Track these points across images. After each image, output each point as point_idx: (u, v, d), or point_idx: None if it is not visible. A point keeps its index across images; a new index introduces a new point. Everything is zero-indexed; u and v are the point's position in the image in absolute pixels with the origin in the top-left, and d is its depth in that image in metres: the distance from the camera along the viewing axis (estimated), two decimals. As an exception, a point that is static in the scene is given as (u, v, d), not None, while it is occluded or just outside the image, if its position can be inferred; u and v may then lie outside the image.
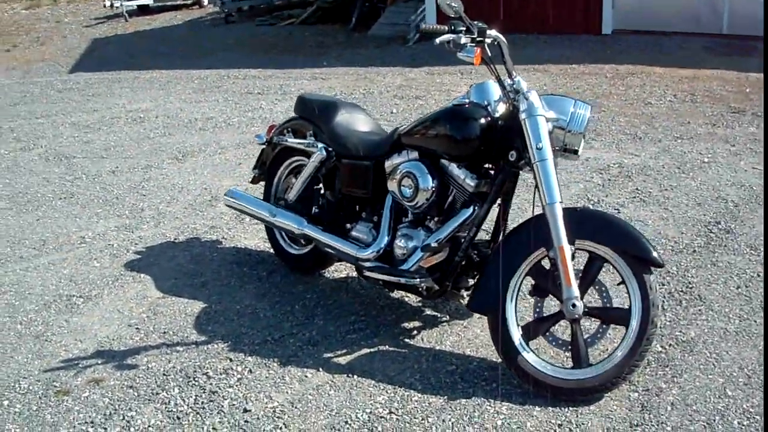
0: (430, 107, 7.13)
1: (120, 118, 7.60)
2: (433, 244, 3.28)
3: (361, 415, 3.01)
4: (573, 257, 3.07)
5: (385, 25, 11.73)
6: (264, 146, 4.27)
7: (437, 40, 3.03)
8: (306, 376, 3.29)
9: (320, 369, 3.33)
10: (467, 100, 3.29)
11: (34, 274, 4.32)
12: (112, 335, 3.67)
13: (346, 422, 2.98)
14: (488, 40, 3.09)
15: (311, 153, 3.89)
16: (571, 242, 3.03)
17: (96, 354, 3.50)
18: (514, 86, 3.13)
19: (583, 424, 2.92)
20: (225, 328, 3.69)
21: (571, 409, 3.00)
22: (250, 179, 4.47)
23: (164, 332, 3.67)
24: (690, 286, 3.87)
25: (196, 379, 3.28)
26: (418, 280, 3.35)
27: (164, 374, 3.33)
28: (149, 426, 3.01)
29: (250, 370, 3.34)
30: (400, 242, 3.44)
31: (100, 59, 10.86)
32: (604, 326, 3.13)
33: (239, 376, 3.30)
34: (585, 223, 3.08)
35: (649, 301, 2.97)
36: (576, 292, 2.97)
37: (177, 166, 6.07)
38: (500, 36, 3.13)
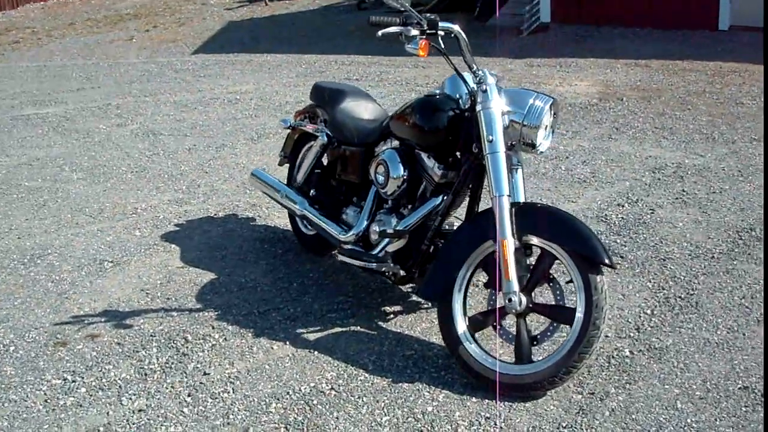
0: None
1: (218, 99, 8.03)
2: (390, 231, 3.36)
3: (304, 388, 3.16)
4: (526, 253, 3.07)
5: (506, 15, 11.65)
6: (289, 131, 4.46)
7: (380, 33, 3.10)
8: (272, 348, 3.46)
9: (287, 342, 3.50)
10: (438, 92, 3.33)
11: (81, 239, 4.73)
12: (124, 298, 3.98)
13: (288, 393, 3.13)
14: (441, 33, 3.12)
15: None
16: (519, 237, 3.03)
17: (102, 313, 3.82)
18: (479, 79, 3.14)
19: (510, 419, 2.93)
20: (222, 298, 3.92)
21: (506, 403, 3.01)
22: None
23: (168, 298, 3.95)
24: (691, 293, 3.74)
25: (175, 342, 3.53)
26: (383, 265, 3.44)
27: (151, 335, 3.60)
28: (119, 379, 3.28)
29: (225, 338, 3.55)
30: (374, 227, 3.55)
31: (224, 42, 11.43)
32: (555, 324, 3.11)
33: (214, 342, 3.52)
34: (536, 218, 3.07)
35: (593, 302, 2.93)
36: (515, 286, 2.98)
37: (249, 146, 6.39)
38: (456, 28, 3.16)
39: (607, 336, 3.41)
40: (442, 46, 3.14)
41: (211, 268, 4.26)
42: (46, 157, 6.34)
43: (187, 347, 3.49)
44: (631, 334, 3.43)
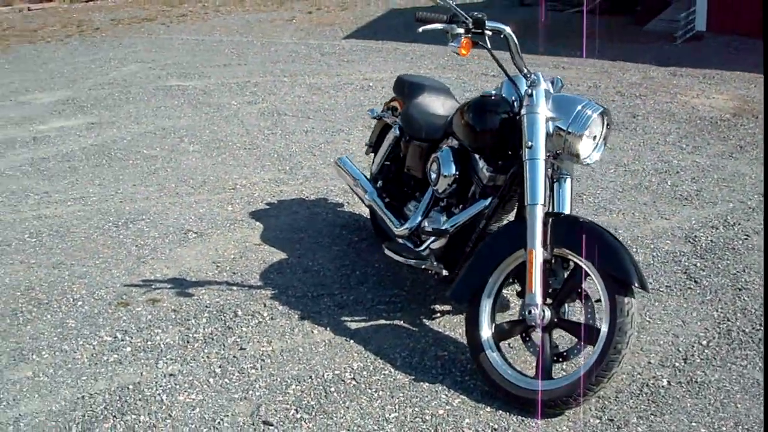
0: (642, 108, 6.83)
1: (351, 85, 8.21)
2: (428, 228, 3.34)
3: (328, 374, 3.22)
4: (563, 266, 2.99)
5: (662, 21, 11.17)
6: (376, 120, 4.52)
7: (421, 29, 3.07)
8: (312, 332, 3.54)
9: (328, 328, 3.57)
10: (494, 92, 3.27)
11: (176, 208, 5.01)
12: (195, 268, 4.19)
13: (311, 377, 3.20)
14: (489, 33, 3.06)
15: (395, 130, 4.10)
16: (551, 249, 2.95)
17: (170, 280, 4.04)
18: (530, 82, 3.07)
19: (518, 433, 2.86)
20: (284, 278, 4.05)
21: (519, 418, 2.94)
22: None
23: (234, 273, 4.12)
24: (757, 328, 3.51)
25: (225, 315, 3.68)
26: (423, 263, 3.44)
27: (206, 306, 3.77)
28: (162, 343, 3.47)
29: (272, 317, 3.67)
30: (424, 224, 3.54)
31: (378, 28, 11.62)
32: (582, 343, 3.01)
33: (260, 320, 3.65)
34: (571, 232, 2.97)
35: (616, 324, 2.80)
36: (537, 298, 2.90)
37: (364, 133, 6.48)
38: (507, 29, 3.08)
39: (649, 362, 3.25)
40: (489, 46, 3.07)
41: (285, 249, 4.39)
42: (171, 128, 6.73)
43: (234, 321, 3.62)
44: (676, 364, 3.25)
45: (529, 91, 3.03)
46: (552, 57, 9.23)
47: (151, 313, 3.72)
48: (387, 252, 3.64)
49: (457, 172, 3.40)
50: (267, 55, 9.90)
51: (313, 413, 2.98)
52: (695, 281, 3.91)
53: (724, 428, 2.86)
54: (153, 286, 3.96)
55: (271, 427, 2.91)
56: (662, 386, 3.10)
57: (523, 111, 3.02)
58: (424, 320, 3.62)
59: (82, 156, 6.00)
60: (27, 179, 5.52)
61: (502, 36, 3.12)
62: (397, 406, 3.01)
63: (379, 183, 4.13)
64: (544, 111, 2.99)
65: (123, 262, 4.25)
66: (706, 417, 2.92)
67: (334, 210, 4.95)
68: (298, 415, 2.98)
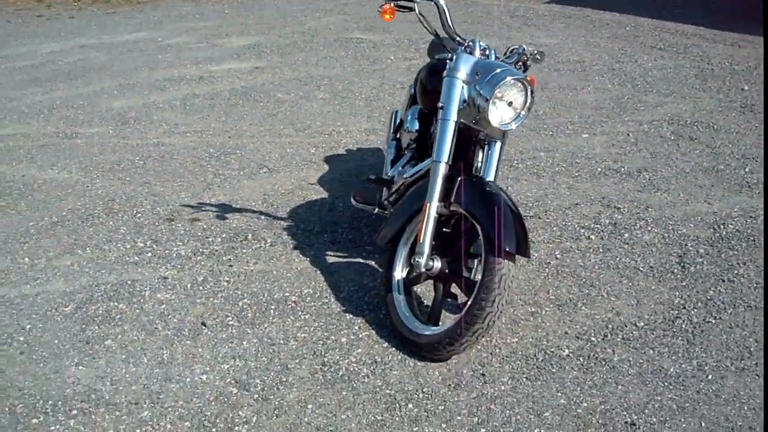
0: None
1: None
2: (384, 176, 3.66)
3: (278, 295, 3.72)
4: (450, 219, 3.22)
5: None
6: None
7: None
8: (293, 260, 4.05)
9: (308, 259, 4.05)
10: (448, 57, 3.49)
11: (268, 147, 5.68)
12: (247, 197, 4.84)
13: (264, 295, 3.73)
14: (418, 1, 3.27)
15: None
16: (448, 205, 3.19)
17: (219, 205, 4.72)
18: (463, 48, 3.27)
19: (388, 367, 3.19)
20: (307, 214, 4.56)
21: (402, 356, 3.26)
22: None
23: (272, 205, 4.71)
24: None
25: (238, 237, 4.29)
26: (384, 212, 3.78)
27: (230, 229, 4.40)
28: (175, 254, 4.16)
29: (272, 244, 4.22)
30: (392, 172, 3.87)
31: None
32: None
33: (261, 245, 4.21)
34: (471, 193, 3.16)
35: (484, 283, 3.00)
36: (425, 248, 3.14)
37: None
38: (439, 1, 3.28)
39: (566, 333, 3.41)
40: (416, 11, 3.29)
41: (331, 190, 4.90)
42: (319, 76, 7.39)
43: (240, 243, 4.22)
44: (593, 339, 3.37)
45: (455, 56, 3.22)
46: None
47: (184, 229, 4.41)
48: (353, 201, 3.99)
49: (417, 130, 3.67)
50: (459, 15, 10.20)
51: (243, 323, 3.50)
52: (682, 267, 3.85)
53: (585, 404, 2.95)
54: (202, 208, 4.65)
55: (204, 328, 3.47)
56: (560, 356, 3.23)
57: (444, 74, 3.23)
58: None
59: (226, 95, 6.86)
60: (170, 112, 6.47)
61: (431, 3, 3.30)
62: (311, 329, 3.45)
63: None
64: (462, 75, 3.17)
65: (194, 187, 4.99)
66: (575, 391, 3.02)
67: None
68: (231, 322, 3.51)
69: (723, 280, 3.73)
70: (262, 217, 4.50)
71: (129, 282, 3.85)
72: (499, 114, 3.14)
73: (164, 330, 3.46)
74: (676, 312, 3.51)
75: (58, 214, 4.58)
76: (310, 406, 2.97)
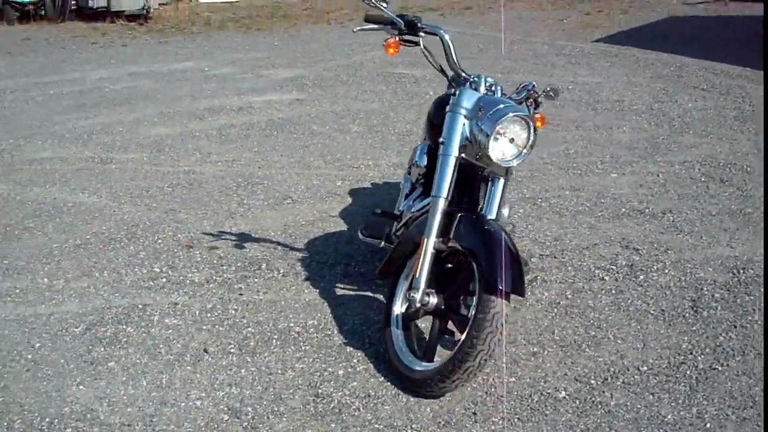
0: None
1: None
2: (396, 211, 3.68)
3: (282, 325, 3.76)
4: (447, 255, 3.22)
5: None
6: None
7: (356, 29, 3.41)
8: (303, 291, 4.09)
9: (317, 290, 4.09)
10: (453, 91, 3.51)
11: (296, 178, 5.77)
12: (267, 227, 4.91)
13: (268, 325, 3.76)
14: (422, 35, 3.31)
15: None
16: (446, 242, 3.20)
17: (239, 234, 4.79)
18: (467, 84, 3.29)
19: (379, 402, 3.19)
20: (324, 246, 4.61)
21: (396, 391, 3.26)
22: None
23: (291, 235, 4.76)
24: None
25: (252, 266, 4.35)
26: (387, 246, 3.80)
27: (244, 258, 4.47)
28: (188, 280, 4.22)
29: (284, 275, 4.26)
30: (403, 206, 3.88)
31: (637, 34, 11.37)
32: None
33: (273, 275, 4.26)
34: (468, 230, 3.15)
35: (476, 321, 2.99)
36: (421, 284, 3.13)
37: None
38: (444, 33, 3.30)
39: (565, 374, 3.35)
40: (421, 46, 3.33)
41: (351, 222, 4.94)
42: (357, 110, 7.50)
43: (253, 272, 4.28)
44: (592, 382, 3.30)
45: (459, 90, 3.24)
46: None
47: (201, 256, 4.49)
48: (360, 235, 4.01)
49: (425, 165, 3.68)
50: (511, 51, 10.24)
51: (244, 351, 3.54)
52: (695, 311, 3.78)
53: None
54: (221, 237, 4.73)
55: (206, 355, 3.52)
56: (556, 397, 3.19)
57: (447, 109, 3.25)
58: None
59: (262, 126, 7.00)
60: (205, 141, 6.62)
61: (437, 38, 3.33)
62: (310, 360, 3.47)
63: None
64: (464, 110, 3.18)
65: (217, 215, 5.08)
66: (564, 434, 2.97)
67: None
68: (232, 350, 3.56)
69: (735, 326, 3.63)
70: (279, 247, 4.55)
71: (140, 306, 3.92)
72: (500, 150, 3.14)
73: (167, 354, 3.51)
74: (683, 357, 3.43)
75: (83, 237, 4.70)
76: (296, 438, 2.96)
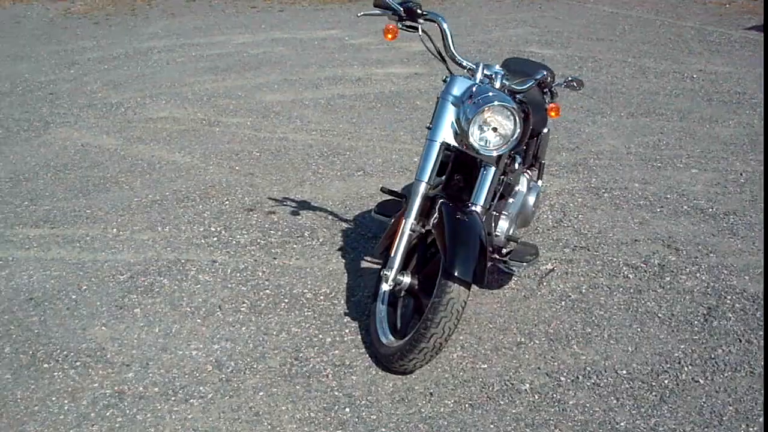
0: None
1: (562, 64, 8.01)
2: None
3: (297, 291, 4.02)
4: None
5: None
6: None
7: (360, 13, 3.52)
8: (330, 260, 4.33)
9: (344, 261, 4.31)
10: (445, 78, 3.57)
11: (378, 151, 5.97)
12: (329, 197, 5.17)
13: (286, 290, 4.05)
14: (421, 21, 3.38)
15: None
16: (423, 224, 3.33)
17: (301, 201, 5.08)
18: (467, 70, 3.38)
19: (345, 374, 3.40)
20: (371, 220, 4.83)
21: (370, 363, 3.46)
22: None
23: (347, 206, 5.00)
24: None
25: (296, 232, 4.64)
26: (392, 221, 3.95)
27: (295, 224, 4.77)
28: (235, 241, 4.59)
29: (321, 243, 4.53)
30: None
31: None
32: None
33: (311, 242, 4.53)
34: (443, 216, 3.26)
35: (433, 304, 3.11)
36: (394, 263, 3.28)
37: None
38: (442, 21, 3.35)
39: (538, 368, 3.39)
40: (420, 33, 3.40)
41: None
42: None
43: (295, 238, 4.57)
44: (561, 378, 3.33)
45: (451, 78, 3.32)
46: None
47: (256, 220, 4.84)
48: (373, 213, 4.15)
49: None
50: (647, 35, 9.84)
51: (253, 311, 3.85)
52: (706, 319, 3.68)
53: (507, 441, 2.99)
54: (283, 203, 5.05)
55: (219, 311, 3.87)
56: (517, 389, 3.25)
57: (440, 95, 3.34)
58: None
59: (370, 98, 7.24)
60: (311, 109, 6.96)
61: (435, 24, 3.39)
62: (306, 325, 3.72)
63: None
64: (452, 97, 3.26)
65: (289, 181, 5.41)
66: (509, 427, 3.04)
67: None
68: (243, 309, 3.87)
69: (740, 340, 3.49)
70: (330, 217, 4.80)
71: (183, 261, 4.32)
72: (482, 138, 3.18)
73: (186, 307, 3.87)
74: (668, 366, 3.36)
75: (162, 193, 5.18)
76: (260, 394, 3.23)
